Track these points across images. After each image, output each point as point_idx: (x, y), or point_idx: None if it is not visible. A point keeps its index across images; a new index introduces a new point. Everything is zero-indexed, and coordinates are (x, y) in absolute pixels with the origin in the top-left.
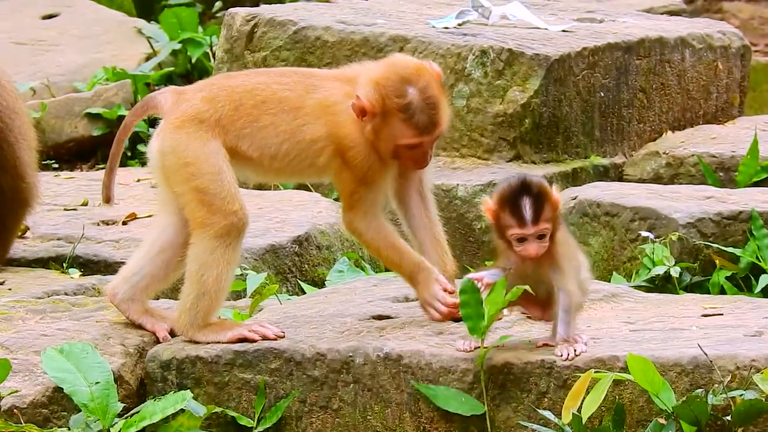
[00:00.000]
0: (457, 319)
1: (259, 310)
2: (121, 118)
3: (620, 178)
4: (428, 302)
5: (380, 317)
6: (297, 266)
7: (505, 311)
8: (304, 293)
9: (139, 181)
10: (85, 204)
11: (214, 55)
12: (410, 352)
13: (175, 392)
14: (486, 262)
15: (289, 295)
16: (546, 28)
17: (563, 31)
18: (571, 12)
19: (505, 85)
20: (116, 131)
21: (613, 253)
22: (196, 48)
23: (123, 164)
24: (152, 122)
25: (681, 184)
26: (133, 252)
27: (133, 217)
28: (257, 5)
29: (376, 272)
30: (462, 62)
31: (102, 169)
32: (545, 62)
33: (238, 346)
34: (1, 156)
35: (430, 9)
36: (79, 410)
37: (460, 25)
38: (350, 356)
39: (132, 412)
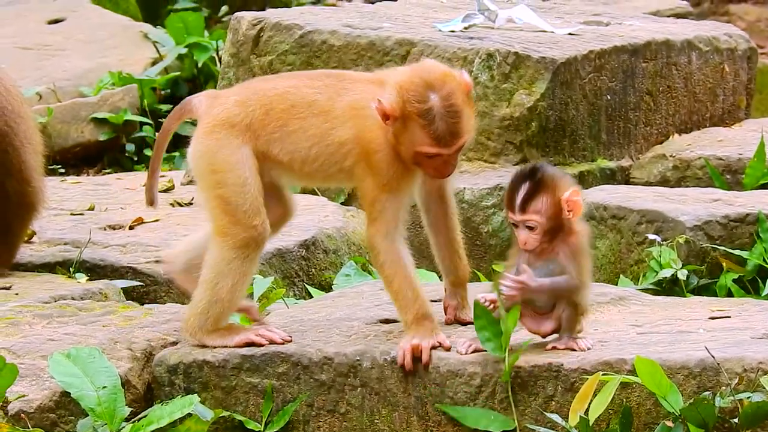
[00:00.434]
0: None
1: (267, 314)
2: (127, 122)
3: (627, 181)
4: (411, 351)
5: (387, 321)
6: (304, 270)
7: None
8: (311, 297)
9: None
10: (91, 209)
11: (220, 59)
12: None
13: (182, 396)
14: (493, 266)
15: (296, 299)
16: (552, 32)
17: (569, 34)
18: (577, 15)
19: (512, 89)
20: (122, 136)
21: (620, 256)
22: (202, 52)
23: (130, 169)
24: (158, 127)
25: (688, 186)
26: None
27: (139, 221)
28: (263, 9)
29: None
30: (468, 66)
31: (108, 173)
32: (552, 65)
33: (245, 351)
34: (7, 160)
35: (437, 12)
36: (87, 415)
37: (466, 28)
38: (357, 360)
39: (139, 416)
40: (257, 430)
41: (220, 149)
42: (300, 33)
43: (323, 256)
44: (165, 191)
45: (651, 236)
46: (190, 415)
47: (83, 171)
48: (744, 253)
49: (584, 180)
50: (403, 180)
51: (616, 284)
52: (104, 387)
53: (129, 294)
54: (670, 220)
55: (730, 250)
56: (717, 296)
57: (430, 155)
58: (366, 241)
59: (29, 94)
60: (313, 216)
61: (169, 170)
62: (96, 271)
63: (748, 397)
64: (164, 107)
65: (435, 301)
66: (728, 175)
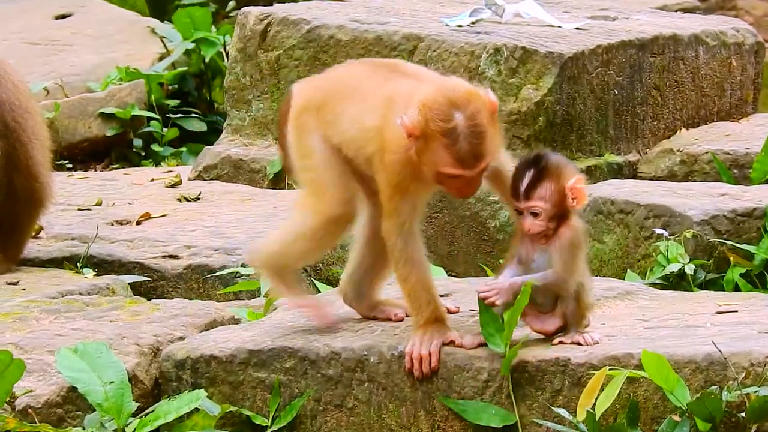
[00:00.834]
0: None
1: (274, 309)
2: (135, 118)
3: (634, 175)
4: (416, 355)
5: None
6: (311, 265)
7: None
8: (319, 292)
9: (153, 180)
10: (99, 204)
11: (227, 54)
12: None
13: (189, 391)
14: (500, 260)
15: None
16: (560, 26)
17: (577, 28)
18: (584, 10)
19: (519, 84)
20: (129, 131)
21: (627, 250)
22: (209, 47)
23: (137, 164)
24: (165, 122)
25: (695, 181)
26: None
27: (147, 216)
28: (270, 4)
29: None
30: (476, 60)
31: (115, 168)
32: (559, 60)
33: (252, 346)
34: (15, 156)
35: (444, 7)
36: (94, 410)
37: (473, 23)
38: (365, 355)
39: (146, 411)
40: (264, 425)
41: (302, 135)
42: (307, 28)
43: (330, 251)
44: (172, 186)
45: (658, 231)
46: (197, 410)
47: (90, 166)
48: (751, 248)
49: (591, 175)
50: (414, 189)
51: (624, 279)
52: (111, 382)
53: (136, 289)
54: (678, 215)
55: (738, 245)
56: (724, 291)
57: (452, 176)
58: (383, 234)
59: (36, 89)
60: None
61: (177, 165)
62: (103, 266)
63: (755, 392)
64: (171, 102)
65: (443, 295)
66: (735, 170)
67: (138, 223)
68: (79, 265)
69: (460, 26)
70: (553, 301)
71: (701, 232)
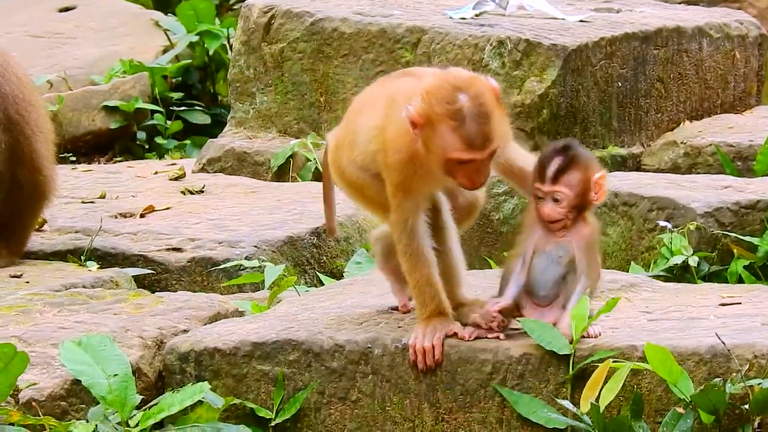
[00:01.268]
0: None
1: (277, 302)
2: (139, 110)
3: (638, 167)
4: (420, 347)
5: (398, 308)
6: (315, 258)
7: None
8: (323, 285)
9: (156, 173)
10: (102, 197)
11: (231, 47)
12: None
13: (193, 384)
14: (504, 253)
15: (308, 286)
16: (563, 19)
17: (580, 21)
18: (588, 2)
19: (523, 76)
20: (133, 124)
21: (631, 242)
22: (213, 40)
23: (141, 157)
24: (169, 115)
25: (699, 173)
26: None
27: (150, 209)
28: None
29: None
30: (479, 53)
31: (119, 161)
32: (563, 52)
33: (256, 338)
34: (18, 149)
35: (447, 0)
36: (98, 403)
37: (477, 15)
38: (369, 347)
39: (150, 404)
40: (268, 417)
41: (342, 170)
42: (311, 20)
43: (334, 244)
44: (176, 179)
45: (662, 223)
46: (201, 402)
47: (94, 159)
48: (755, 240)
49: None
50: (419, 186)
51: (627, 271)
52: (115, 375)
53: (140, 282)
54: (681, 207)
55: (741, 237)
56: (728, 283)
57: (462, 161)
58: (389, 226)
59: (40, 82)
60: None
61: (180, 158)
62: (107, 259)
63: (759, 384)
64: (175, 95)
65: None
66: (739, 162)
67: (142, 215)
68: (82, 258)
69: (463, 18)
70: (553, 294)
71: (705, 224)
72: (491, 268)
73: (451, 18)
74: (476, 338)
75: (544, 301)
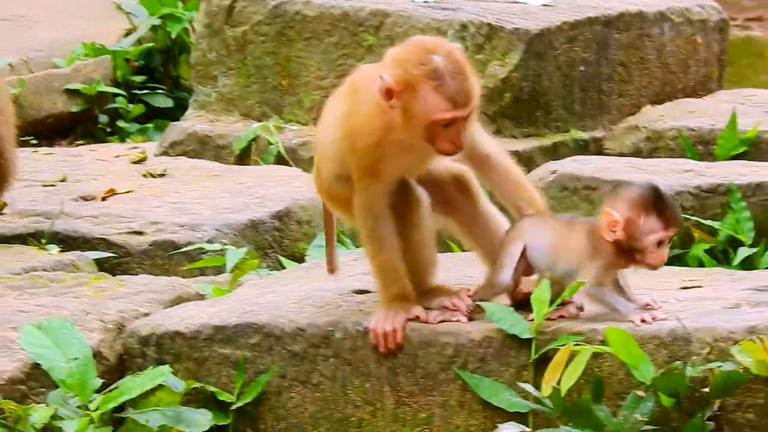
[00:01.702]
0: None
1: (239, 285)
2: (100, 94)
3: (600, 152)
4: (381, 331)
5: (360, 291)
6: (277, 241)
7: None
8: (284, 268)
9: (118, 157)
10: (63, 180)
11: (193, 30)
12: None
13: (154, 368)
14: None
15: (269, 270)
16: (526, 3)
17: (543, 5)
18: None
19: (485, 60)
20: (95, 107)
21: None
22: (176, 23)
23: (102, 140)
24: (131, 99)
25: (660, 157)
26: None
27: (112, 192)
28: None
29: (357, 246)
30: (442, 37)
31: (81, 145)
32: (525, 37)
33: (217, 321)
34: None
35: None
36: (57, 386)
37: None
38: (330, 330)
39: (111, 387)
40: (230, 401)
41: (323, 189)
42: (273, 3)
43: (296, 227)
44: (138, 162)
45: None
46: (161, 386)
47: (56, 142)
48: (715, 224)
49: (557, 151)
50: (389, 166)
51: None
52: (75, 359)
53: (101, 265)
54: None
55: (702, 221)
56: (688, 266)
57: (446, 122)
58: (353, 209)
59: (1, 65)
60: (287, 187)
61: (142, 141)
62: (68, 242)
63: (719, 367)
64: (137, 79)
65: None
66: (700, 146)
67: (103, 199)
68: (43, 241)
69: (426, 2)
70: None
71: None
72: (453, 251)
73: (413, 1)
74: (440, 321)
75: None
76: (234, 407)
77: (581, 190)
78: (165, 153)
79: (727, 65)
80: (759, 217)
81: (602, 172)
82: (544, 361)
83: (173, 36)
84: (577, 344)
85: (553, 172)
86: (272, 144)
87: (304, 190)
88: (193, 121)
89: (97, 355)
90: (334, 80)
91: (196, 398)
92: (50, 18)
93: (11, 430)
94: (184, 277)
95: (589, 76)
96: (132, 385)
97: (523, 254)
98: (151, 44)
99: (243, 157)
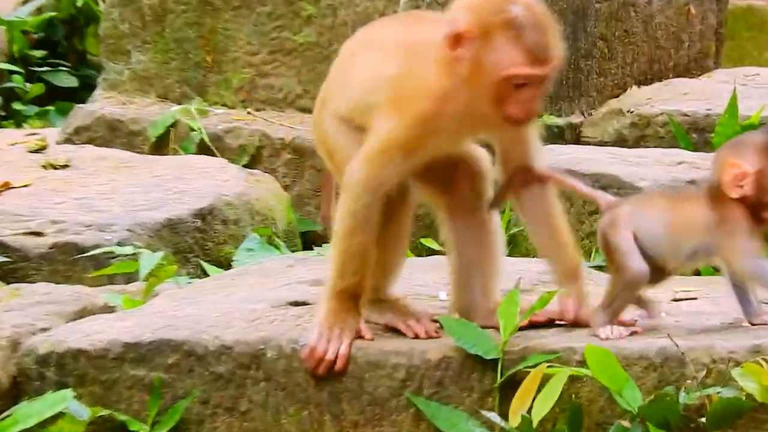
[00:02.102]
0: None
1: (154, 296)
2: None
3: (578, 140)
4: (320, 353)
5: (297, 303)
6: (199, 244)
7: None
8: (208, 276)
9: (13, 144)
10: None
11: None
12: None
13: (54, 392)
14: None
15: (190, 277)
16: None
17: None
18: None
19: None
20: None
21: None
22: None
23: None
24: (29, 77)
25: (648, 147)
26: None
27: (6, 186)
28: None
29: (292, 250)
30: (393, 6)
31: None
32: None
33: (128, 338)
34: None
35: None
36: None
37: None
38: (261, 349)
39: (3, 415)
40: (142, 431)
41: (323, 133)
42: None
43: (222, 228)
44: (37, 151)
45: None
46: (63, 413)
47: None
48: None
49: None
50: (433, 142)
51: None
52: None
53: None
54: (628, 186)
55: None
56: (682, 275)
57: (520, 81)
58: (344, 177)
59: None
60: (211, 180)
61: (42, 127)
62: None
63: (718, 393)
64: (37, 53)
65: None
66: (695, 134)
67: None
68: None
69: None
70: None
71: None
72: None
73: None
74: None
75: None
76: None
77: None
78: (69, 140)
79: (725, 39)
80: None
81: (580, 164)
82: (512, 385)
83: (79, 4)
84: (550, 366)
85: None
86: (194, 130)
87: (231, 183)
88: (101, 104)
89: None
90: (267, 56)
91: (104, 427)
92: None
93: None
94: (90, 286)
95: (565, 52)
96: (28, 413)
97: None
98: (52, 14)
99: (160, 146)
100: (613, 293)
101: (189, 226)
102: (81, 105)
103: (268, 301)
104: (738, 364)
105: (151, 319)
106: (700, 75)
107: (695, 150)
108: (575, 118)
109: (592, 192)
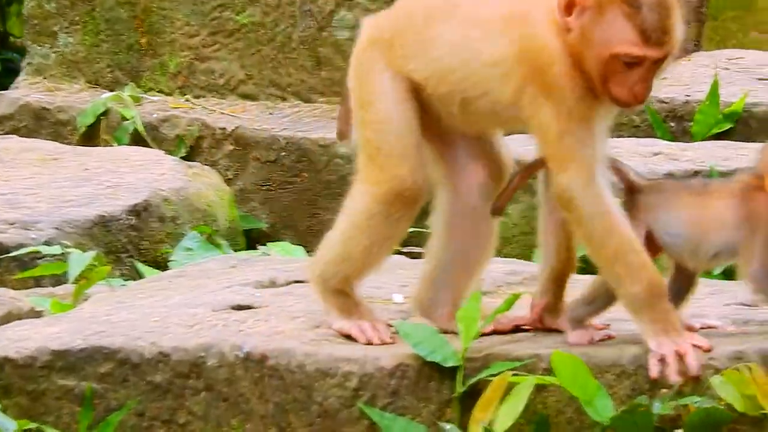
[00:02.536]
0: None
1: (85, 299)
2: None
3: None
4: (671, 354)
5: (240, 307)
6: (133, 243)
7: None
8: (143, 277)
9: None
10: None
11: None
12: (278, 352)
13: None
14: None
15: (124, 279)
16: None
17: None
18: None
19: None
20: None
21: (535, 225)
22: None
23: None
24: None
25: (622, 137)
26: None
27: None
28: None
29: (235, 250)
30: None
31: None
32: None
33: (57, 345)
34: None
35: None
36: None
37: None
38: (201, 357)
39: None
40: None
41: (364, 77)
42: None
43: (158, 226)
44: None
45: None
46: None
47: None
48: None
49: None
50: (590, 106)
51: (531, 260)
52: None
53: None
54: None
55: None
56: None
57: (630, 60)
58: (558, 194)
59: None
60: (146, 174)
61: None
62: None
63: (695, 402)
64: None
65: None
66: (673, 123)
67: None
68: None
69: None
70: None
71: None
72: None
73: None
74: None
75: None
76: None
77: None
78: (7, 133)
79: (707, 20)
80: None
81: None
82: (472, 395)
83: None
84: (515, 374)
85: None
86: (127, 119)
87: (169, 177)
88: (25, 90)
89: None
90: (207, 38)
91: None
92: None
93: None
94: (14, 289)
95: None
96: None
97: (650, 239)
98: None
99: (90, 136)
100: (600, 290)
101: (122, 224)
102: (3, 92)
103: (209, 304)
104: (717, 371)
105: (81, 324)
106: (679, 59)
107: (673, 140)
108: None
109: (623, 166)
